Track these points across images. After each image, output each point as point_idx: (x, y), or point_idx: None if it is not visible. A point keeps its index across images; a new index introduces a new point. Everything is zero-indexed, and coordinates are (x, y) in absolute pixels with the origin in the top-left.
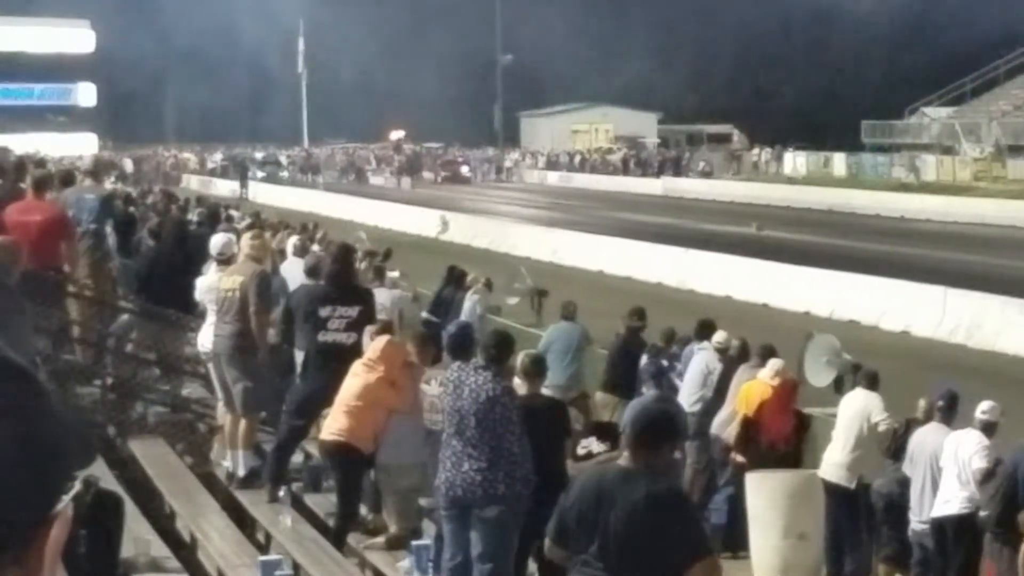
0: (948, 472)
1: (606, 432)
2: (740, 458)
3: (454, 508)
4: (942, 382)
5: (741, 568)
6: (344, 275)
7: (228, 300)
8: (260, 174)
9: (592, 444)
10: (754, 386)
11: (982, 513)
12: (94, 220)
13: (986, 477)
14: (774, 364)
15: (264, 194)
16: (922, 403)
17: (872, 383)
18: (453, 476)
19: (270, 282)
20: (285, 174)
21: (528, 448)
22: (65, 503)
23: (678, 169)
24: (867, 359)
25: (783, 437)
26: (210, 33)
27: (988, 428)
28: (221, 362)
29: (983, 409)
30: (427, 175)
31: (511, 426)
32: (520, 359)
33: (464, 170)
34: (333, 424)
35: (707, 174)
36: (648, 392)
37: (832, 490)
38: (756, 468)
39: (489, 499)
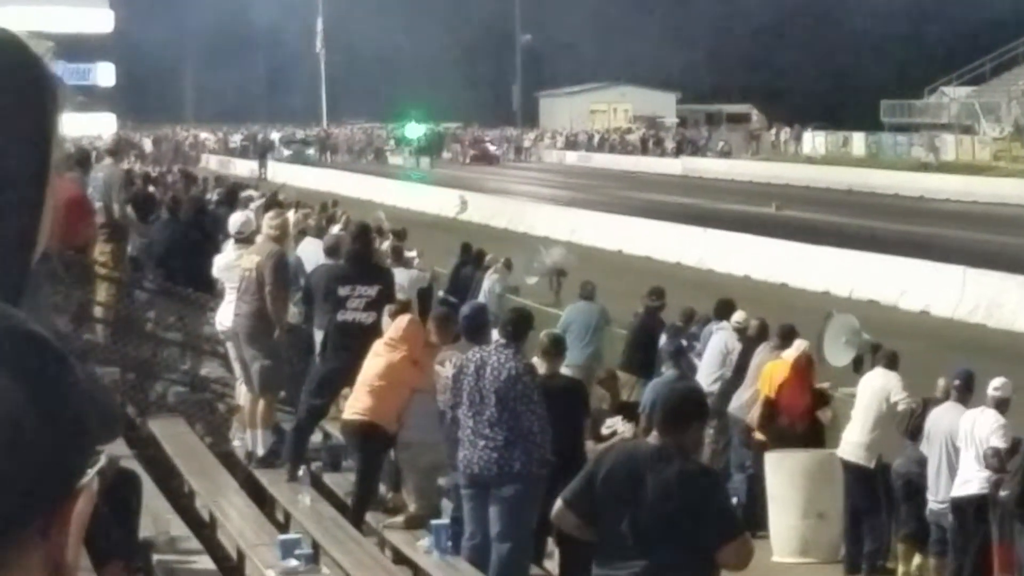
0: (965, 452)
1: (632, 412)
2: (761, 436)
3: (473, 486)
4: (961, 362)
5: (760, 547)
6: (363, 254)
7: (247, 279)
8: (286, 152)
9: (618, 424)
10: (777, 366)
11: (1002, 493)
12: (100, 197)
13: (998, 457)
14: (800, 345)
15: (283, 174)
16: (941, 383)
17: (891, 363)
18: (471, 454)
19: (287, 262)
20: (312, 152)
21: (548, 427)
22: (91, 476)
23: (695, 149)
24: (886, 339)
25: (800, 415)
26: (229, 13)
27: (1001, 404)
28: (240, 341)
29: (995, 386)
30: (450, 155)
31: (531, 404)
32: (539, 339)
33: (492, 149)
34: (357, 404)
35: (726, 154)
36: (668, 372)
37: (851, 470)
38: (778, 448)
39: (505, 477)
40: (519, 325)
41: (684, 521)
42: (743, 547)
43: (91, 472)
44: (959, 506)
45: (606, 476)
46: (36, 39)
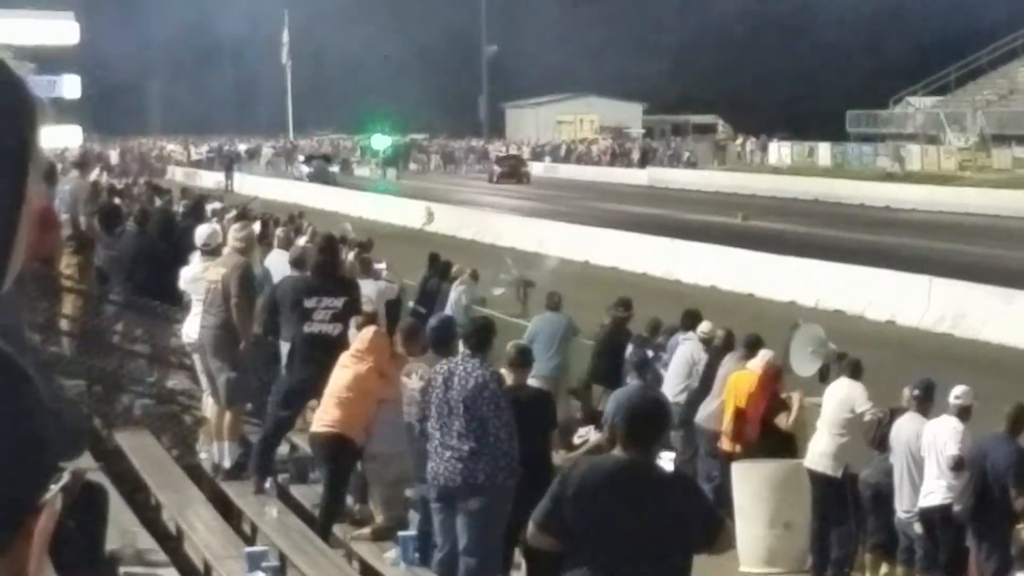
0: (928, 462)
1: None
2: (728, 448)
3: (441, 499)
4: (927, 372)
5: (727, 558)
6: (329, 266)
7: (213, 291)
8: (306, 170)
9: (591, 433)
10: (743, 376)
11: (955, 508)
12: (67, 210)
13: (957, 464)
14: (765, 355)
15: (249, 185)
16: (906, 392)
17: (855, 372)
18: (437, 466)
19: (253, 274)
20: (335, 170)
21: (515, 435)
22: (53, 493)
23: (647, 160)
24: (852, 349)
25: (768, 424)
26: (195, 25)
27: (963, 412)
28: (206, 353)
29: (956, 394)
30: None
31: (498, 411)
32: (506, 350)
33: (525, 168)
34: (325, 416)
35: (692, 164)
36: (632, 382)
37: (818, 480)
38: (749, 458)
39: (470, 490)
40: (482, 334)
41: (668, 531)
42: (728, 533)
43: (54, 488)
44: (925, 516)
45: (575, 494)
46: (17, 60)
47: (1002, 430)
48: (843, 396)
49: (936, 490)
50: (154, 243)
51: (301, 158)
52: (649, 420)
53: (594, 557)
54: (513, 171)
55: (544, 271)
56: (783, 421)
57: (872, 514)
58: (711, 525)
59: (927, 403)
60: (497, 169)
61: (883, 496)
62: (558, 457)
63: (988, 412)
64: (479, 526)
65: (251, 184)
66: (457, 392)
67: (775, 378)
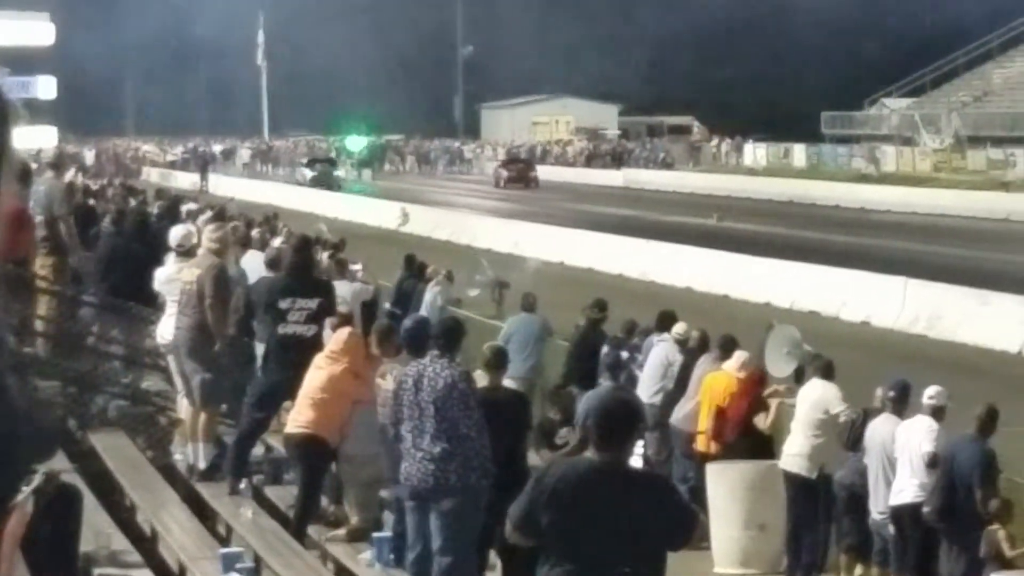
0: (901, 462)
1: None
2: (703, 449)
3: (414, 500)
4: (901, 373)
5: (702, 559)
6: (304, 267)
7: (187, 293)
8: (309, 175)
9: (572, 435)
10: (719, 377)
11: (925, 509)
12: (41, 211)
13: (933, 461)
14: (740, 356)
15: (225, 186)
16: (878, 392)
17: (827, 373)
18: (410, 467)
19: (227, 275)
20: (341, 174)
21: (486, 434)
22: (24, 495)
23: (622, 161)
24: (827, 350)
25: (747, 425)
26: (170, 26)
27: (937, 413)
28: (181, 354)
29: (930, 394)
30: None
31: (468, 411)
32: (482, 351)
33: (533, 172)
34: (299, 417)
35: (668, 165)
36: (604, 383)
37: (793, 480)
38: (726, 459)
39: (442, 490)
40: (450, 335)
41: (643, 531)
42: (703, 527)
43: (25, 491)
44: (896, 514)
45: (549, 496)
46: None
47: (972, 431)
48: (816, 397)
49: (907, 489)
50: (128, 243)
51: (303, 161)
52: (620, 421)
53: (569, 558)
54: (521, 175)
55: (527, 273)
56: (761, 422)
57: (847, 515)
58: (686, 522)
59: (902, 404)
60: (504, 173)
61: (858, 497)
62: (540, 458)
63: (963, 413)
64: (453, 527)
65: (227, 185)
66: (427, 393)
67: (760, 382)
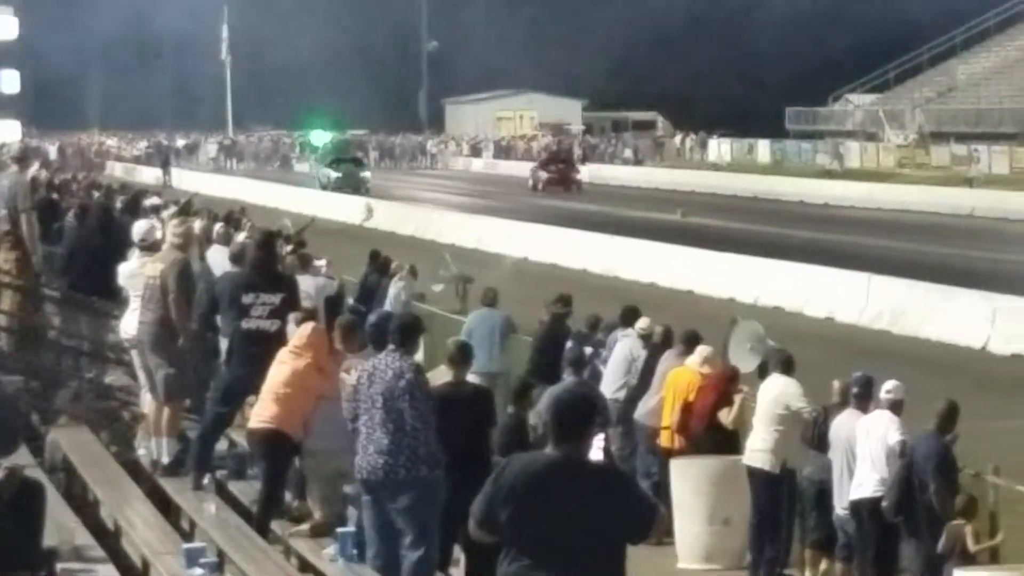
0: (861, 456)
1: None
2: (667, 444)
3: (367, 493)
4: (865, 369)
5: (665, 554)
6: (267, 262)
7: (151, 287)
8: (333, 175)
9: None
10: (683, 373)
11: (883, 503)
12: (4, 205)
13: (903, 450)
14: (702, 351)
15: (188, 181)
16: (836, 385)
17: (787, 368)
18: (362, 460)
19: (191, 270)
20: (367, 175)
21: (433, 426)
22: None
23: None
24: (791, 346)
25: (712, 420)
26: (135, 20)
27: (895, 407)
28: (144, 349)
29: (887, 389)
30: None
31: (413, 403)
32: (446, 346)
33: (576, 173)
34: (262, 412)
35: (639, 161)
36: (567, 379)
37: (757, 476)
38: (691, 455)
39: (394, 485)
40: (406, 330)
41: (602, 524)
42: (664, 519)
43: None
44: (856, 508)
45: (508, 494)
46: None
47: (931, 427)
48: (777, 392)
49: (866, 483)
50: (91, 237)
51: (327, 160)
52: (577, 415)
53: (528, 552)
54: (562, 177)
55: (504, 270)
56: (725, 417)
57: (814, 511)
58: (645, 515)
59: (866, 399)
60: (542, 175)
61: (826, 493)
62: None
63: (926, 409)
64: (416, 520)
65: (190, 180)
66: (378, 387)
67: (731, 380)
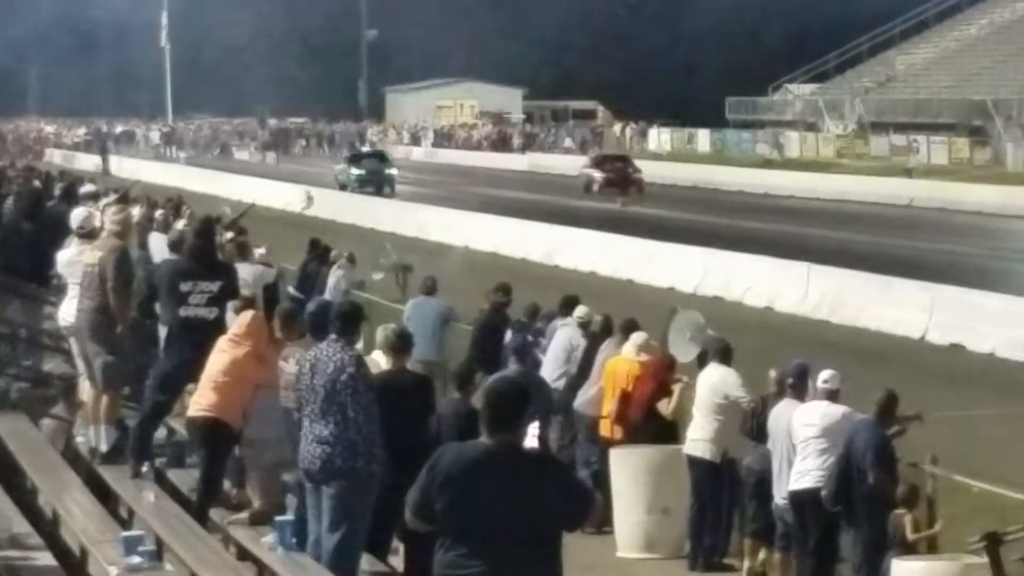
0: (800, 446)
1: None
2: (607, 434)
3: (308, 481)
4: (804, 358)
5: (605, 543)
6: (205, 250)
7: (89, 275)
8: (355, 173)
9: None
10: (621, 362)
11: (823, 493)
12: None
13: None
14: (635, 339)
15: (127, 169)
16: (772, 374)
17: (725, 357)
18: (303, 450)
19: (129, 257)
20: (394, 172)
21: (375, 420)
22: None
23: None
24: (731, 335)
25: (651, 410)
26: (74, 6)
27: (832, 396)
28: (83, 337)
29: (824, 378)
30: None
31: (355, 396)
32: (386, 334)
33: (636, 173)
34: (201, 400)
35: (584, 150)
36: (511, 367)
37: (696, 465)
38: (630, 444)
39: (329, 473)
40: (347, 319)
41: (537, 512)
42: (599, 506)
43: None
44: (796, 499)
45: (443, 482)
46: None
47: (870, 416)
48: (715, 381)
49: (806, 473)
50: (19, 222)
51: (344, 155)
52: (510, 403)
53: (463, 541)
54: (622, 178)
55: (453, 261)
56: (664, 407)
57: (754, 500)
58: (581, 503)
59: (801, 389)
60: (598, 175)
61: (765, 483)
62: None
63: (864, 399)
64: (340, 509)
65: (130, 167)
66: (320, 378)
67: (667, 369)
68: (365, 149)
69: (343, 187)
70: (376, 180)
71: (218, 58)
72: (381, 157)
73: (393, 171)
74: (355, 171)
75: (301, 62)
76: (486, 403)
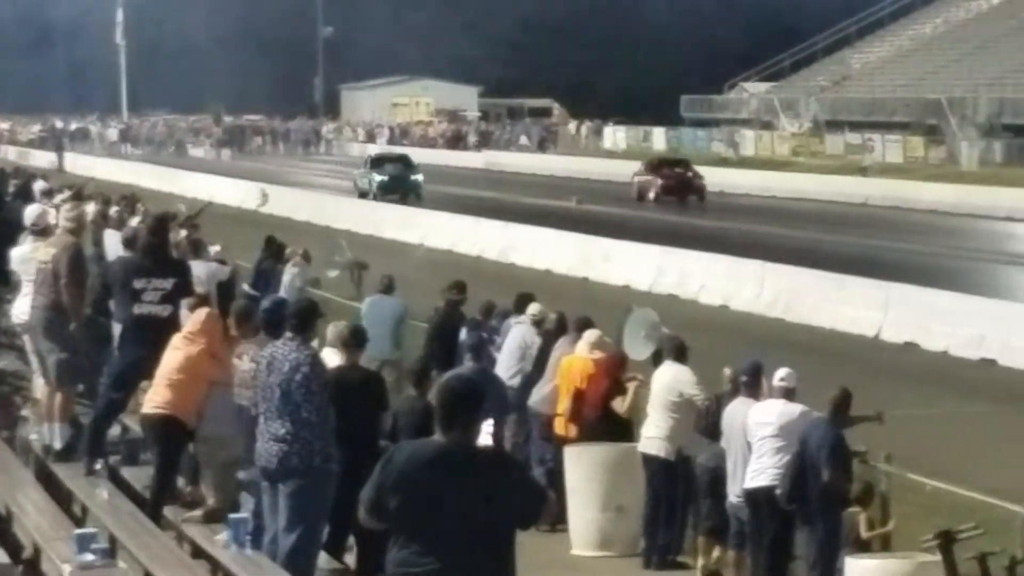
0: (755, 445)
1: None
2: (562, 432)
3: (265, 480)
4: (759, 356)
5: (559, 541)
6: (159, 247)
7: (43, 272)
8: (377, 179)
9: None
10: (575, 360)
11: (777, 491)
12: None
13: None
14: (589, 337)
15: (81, 166)
16: (727, 372)
17: (680, 355)
18: (259, 448)
19: (83, 254)
20: (420, 178)
21: (330, 420)
22: None
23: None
24: (686, 333)
25: (605, 408)
26: (28, 2)
27: (788, 394)
28: (36, 334)
29: (780, 376)
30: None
31: (309, 395)
32: (338, 330)
33: (697, 178)
34: (155, 397)
35: (543, 149)
36: (467, 365)
37: (651, 463)
38: (585, 442)
39: (286, 472)
40: (303, 316)
41: (490, 509)
42: (552, 505)
43: None
44: (751, 497)
45: (397, 480)
46: None
47: (824, 414)
48: (669, 379)
49: (761, 471)
50: None
51: (367, 160)
52: (462, 401)
53: (416, 539)
54: (682, 184)
55: (415, 259)
56: (618, 405)
57: (708, 498)
58: (534, 501)
59: (755, 387)
60: (655, 181)
61: (720, 480)
62: None
63: (818, 397)
64: (297, 508)
65: (84, 164)
66: (275, 377)
67: (619, 366)
68: (385, 151)
69: (363, 195)
70: (400, 187)
71: (174, 55)
72: (406, 162)
73: (419, 177)
74: (377, 177)
75: (257, 59)
76: (440, 401)
